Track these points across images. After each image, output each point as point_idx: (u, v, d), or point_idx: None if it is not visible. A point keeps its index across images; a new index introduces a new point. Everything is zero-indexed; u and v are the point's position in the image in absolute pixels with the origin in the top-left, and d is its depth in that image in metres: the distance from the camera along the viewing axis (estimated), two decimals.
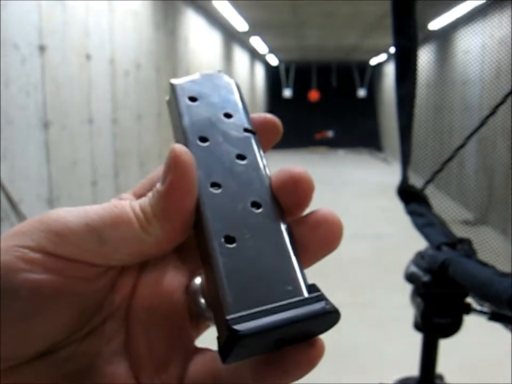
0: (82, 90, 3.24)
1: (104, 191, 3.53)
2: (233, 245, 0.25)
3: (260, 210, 0.26)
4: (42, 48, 2.73)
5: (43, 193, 2.76)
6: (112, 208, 0.26)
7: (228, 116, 0.29)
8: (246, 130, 0.29)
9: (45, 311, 0.25)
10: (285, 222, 0.26)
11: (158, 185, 0.26)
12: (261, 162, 0.28)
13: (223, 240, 0.25)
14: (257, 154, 0.29)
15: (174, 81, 0.30)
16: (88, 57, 3.30)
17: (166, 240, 0.26)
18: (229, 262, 0.24)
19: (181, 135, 0.28)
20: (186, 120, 0.28)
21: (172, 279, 0.28)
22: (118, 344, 0.27)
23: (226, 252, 0.24)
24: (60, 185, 2.92)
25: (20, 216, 2.50)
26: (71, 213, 0.28)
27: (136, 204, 0.26)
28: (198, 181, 0.26)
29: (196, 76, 0.31)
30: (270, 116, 0.31)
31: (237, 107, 0.30)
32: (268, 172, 0.28)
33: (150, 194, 0.27)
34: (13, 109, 2.48)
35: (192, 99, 0.29)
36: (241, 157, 0.28)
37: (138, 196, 0.29)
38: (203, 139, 0.28)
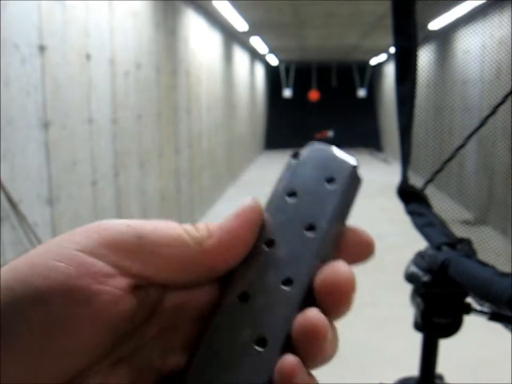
0: (82, 90, 3.24)
1: (104, 191, 3.53)
2: (246, 302, 0.26)
3: (288, 288, 0.26)
4: (42, 48, 2.73)
5: (43, 193, 2.76)
6: (161, 221, 0.27)
7: (310, 228, 0.27)
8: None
9: (73, 322, 0.23)
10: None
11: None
12: (304, 291, 0.26)
13: (237, 297, 0.26)
14: (304, 280, 0.27)
15: (292, 155, 0.29)
16: (88, 57, 3.30)
17: (213, 256, 0.26)
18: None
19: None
20: (267, 217, 0.28)
21: None
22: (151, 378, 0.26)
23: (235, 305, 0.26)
24: (60, 185, 2.92)
25: (20, 216, 2.50)
26: (115, 220, 0.26)
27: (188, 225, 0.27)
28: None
29: (326, 152, 0.29)
30: (364, 235, 0.29)
31: (325, 217, 0.28)
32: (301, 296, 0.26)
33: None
34: (13, 109, 2.48)
35: (291, 194, 0.28)
36: (287, 282, 0.27)
37: None
38: (269, 242, 0.27)
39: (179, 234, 0.26)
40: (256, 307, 0.26)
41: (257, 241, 0.27)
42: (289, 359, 0.24)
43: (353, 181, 0.29)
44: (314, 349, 0.25)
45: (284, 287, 0.26)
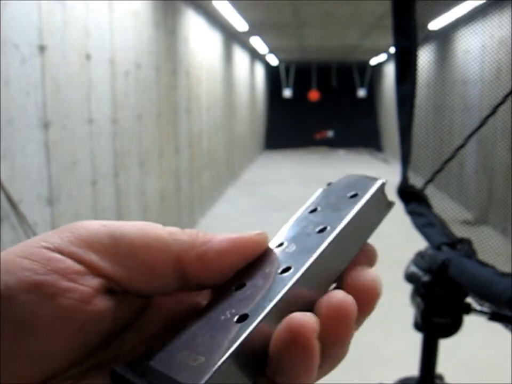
0: (82, 90, 3.24)
1: (104, 191, 3.53)
2: None
3: (240, 323, 0.24)
4: (42, 48, 2.73)
5: (43, 193, 2.76)
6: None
7: (322, 230, 0.27)
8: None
9: (42, 319, 0.22)
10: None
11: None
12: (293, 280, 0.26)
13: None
14: (300, 272, 0.26)
15: (327, 184, 0.30)
16: (88, 57, 3.30)
17: (194, 267, 0.24)
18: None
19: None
20: (286, 226, 0.28)
21: None
22: None
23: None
24: (60, 185, 2.92)
25: (20, 216, 2.50)
26: (93, 220, 0.25)
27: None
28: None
29: (358, 176, 0.29)
30: (370, 283, 0.27)
31: (338, 220, 0.27)
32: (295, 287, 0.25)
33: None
34: (13, 109, 2.48)
35: (313, 211, 0.29)
36: (285, 270, 0.26)
37: None
38: (280, 244, 0.27)
39: (159, 236, 0.24)
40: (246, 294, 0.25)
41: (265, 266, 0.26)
42: (299, 314, 0.22)
43: (377, 197, 0.28)
44: (340, 331, 0.23)
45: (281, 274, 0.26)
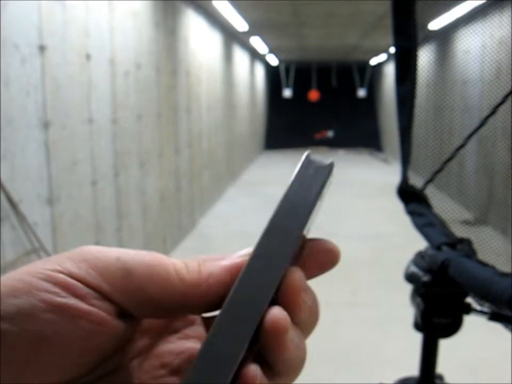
0: (82, 90, 3.24)
1: (104, 191, 3.53)
2: None
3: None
4: (42, 48, 2.73)
5: (43, 193, 2.76)
6: (150, 252, 0.27)
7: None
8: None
9: (62, 337, 0.24)
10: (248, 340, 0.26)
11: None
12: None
13: None
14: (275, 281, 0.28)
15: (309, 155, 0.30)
16: (88, 57, 3.30)
17: (199, 300, 0.26)
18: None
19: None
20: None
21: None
22: None
23: None
24: (60, 185, 2.92)
25: (20, 216, 2.50)
26: (105, 248, 0.27)
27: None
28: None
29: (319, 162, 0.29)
30: (329, 245, 0.29)
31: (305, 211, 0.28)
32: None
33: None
34: (13, 109, 2.48)
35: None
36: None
37: None
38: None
39: (167, 274, 0.26)
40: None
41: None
42: (252, 368, 0.25)
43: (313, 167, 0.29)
44: (275, 345, 0.25)
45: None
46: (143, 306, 0.26)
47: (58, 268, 0.25)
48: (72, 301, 0.24)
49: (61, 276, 0.25)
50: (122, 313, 0.26)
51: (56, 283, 0.24)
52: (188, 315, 0.29)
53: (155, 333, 0.29)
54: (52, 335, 0.23)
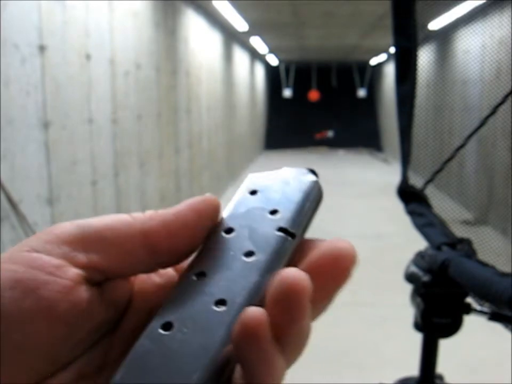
0: (82, 90, 3.24)
1: (104, 191, 3.53)
2: (166, 332, 0.24)
3: (220, 309, 0.24)
4: (42, 48, 2.73)
5: (43, 193, 2.76)
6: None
7: (274, 212, 0.27)
8: (281, 230, 0.26)
9: (28, 313, 0.23)
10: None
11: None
12: (267, 266, 0.25)
13: (160, 325, 0.24)
14: (270, 257, 0.25)
15: (251, 175, 0.29)
16: (88, 57, 3.30)
17: (156, 235, 0.25)
18: (148, 345, 0.24)
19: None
20: (228, 210, 0.28)
21: None
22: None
23: (156, 336, 0.24)
24: (60, 185, 2.92)
25: (20, 216, 2.50)
26: (74, 221, 0.26)
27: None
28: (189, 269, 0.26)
29: (277, 172, 0.29)
30: (338, 250, 0.24)
31: (292, 206, 0.27)
32: (267, 276, 0.24)
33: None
34: (13, 109, 2.48)
35: (253, 192, 0.28)
36: (249, 253, 0.25)
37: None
38: (229, 230, 0.27)
39: (121, 218, 0.26)
40: (215, 280, 0.25)
41: (215, 231, 0.27)
42: (253, 309, 0.22)
43: (314, 187, 0.28)
44: (293, 310, 0.22)
45: (245, 258, 0.25)
46: (106, 255, 0.25)
47: (23, 247, 0.24)
48: (29, 274, 0.23)
49: (24, 253, 0.24)
50: (91, 278, 0.25)
51: (16, 261, 0.24)
52: (160, 268, 0.27)
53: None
54: (16, 312, 0.23)
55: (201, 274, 0.25)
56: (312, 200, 0.28)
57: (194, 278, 0.25)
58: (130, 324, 0.26)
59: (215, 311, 0.24)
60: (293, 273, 0.22)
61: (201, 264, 0.26)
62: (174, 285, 0.26)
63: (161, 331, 0.24)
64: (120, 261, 0.25)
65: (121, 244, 0.25)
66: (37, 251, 0.24)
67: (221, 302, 0.24)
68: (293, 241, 0.26)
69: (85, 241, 0.25)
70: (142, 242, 0.25)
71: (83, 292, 0.24)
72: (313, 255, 0.24)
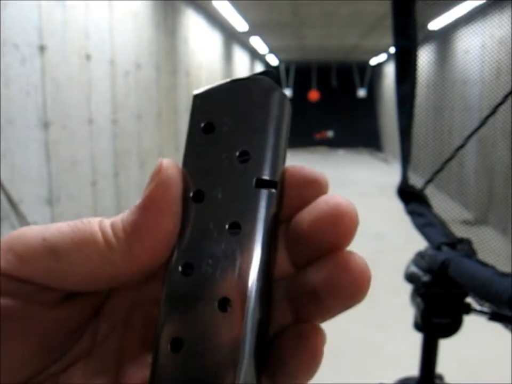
0: (82, 91, 3.24)
1: (104, 191, 3.53)
2: (179, 352, 0.22)
3: (226, 312, 0.22)
4: (42, 48, 2.73)
5: (43, 193, 2.76)
6: (77, 223, 0.23)
7: (243, 156, 0.23)
8: (259, 182, 0.23)
9: None
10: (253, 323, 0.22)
11: (138, 202, 0.23)
12: (259, 239, 0.22)
13: (168, 345, 0.22)
14: (259, 225, 0.22)
15: (196, 92, 0.24)
16: (88, 57, 3.30)
17: (134, 261, 0.22)
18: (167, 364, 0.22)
19: None
20: (185, 163, 0.23)
21: None
22: (113, 378, 0.24)
23: (170, 357, 0.22)
24: (60, 185, 2.92)
25: (20, 216, 2.50)
26: (32, 229, 0.23)
27: (107, 220, 0.23)
28: (172, 254, 0.23)
29: (225, 86, 0.24)
30: (310, 173, 0.23)
31: (262, 141, 0.23)
32: (261, 251, 0.22)
33: (126, 210, 0.23)
34: (13, 109, 2.48)
35: (207, 128, 0.23)
36: (234, 225, 0.22)
37: None
38: (197, 196, 0.23)
39: (96, 245, 0.22)
40: (205, 273, 0.22)
41: (184, 200, 0.23)
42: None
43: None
44: (341, 234, 0.22)
45: (230, 234, 0.22)
46: (80, 283, 0.23)
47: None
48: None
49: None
50: (65, 297, 0.23)
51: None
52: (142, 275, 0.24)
53: (131, 300, 0.25)
54: None
55: (188, 267, 0.22)
56: (283, 121, 0.23)
57: (181, 272, 0.22)
58: (113, 304, 0.25)
59: (218, 314, 0.22)
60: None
61: (185, 254, 0.22)
62: (162, 281, 0.23)
63: (173, 352, 0.22)
64: (93, 286, 0.23)
65: (95, 276, 0.23)
66: (4, 275, 0.22)
67: (226, 302, 0.22)
68: (276, 192, 0.23)
69: (55, 269, 0.22)
70: (125, 268, 0.23)
71: (58, 313, 0.23)
72: (310, 214, 0.22)
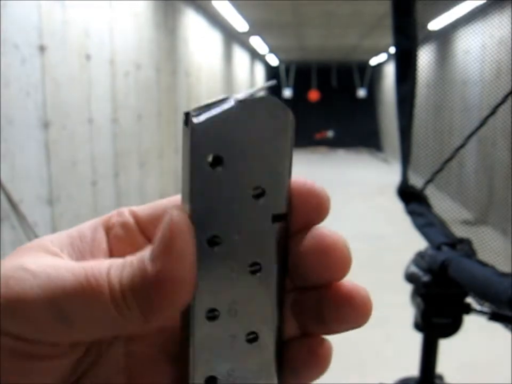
0: (82, 90, 3.24)
1: (104, 191, 3.53)
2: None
3: (254, 343, 0.23)
4: (42, 48, 2.73)
5: (43, 193, 2.76)
6: (84, 275, 0.21)
7: (257, 190, 0.21)
8: (275, 217, 0.22)
9: None
10: (278, 361, 0.23)
11: (147, 258, 0.21)
12: (277, 272, 0.22)
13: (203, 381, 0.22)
14: (277, 259, 0.22)
15: (195, 121, 0.20)
16: (88, 57, 3.30)
17: (148, 325, 0.21)
18: None
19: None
20: (194, 205, 0.21)
21: None
22: None
23: None
24: (59, 185, 2.92)
25: (20, 216, 2.50)
26: (33, 280, 0.21)
27: (116, 276, 0.21)
28: (194, 302, 0.22)
29: (228, 111, 0.21)
30: (313, 188, 0.23)
31: (276, 172, 0.22)
32: (278, 283, 0.22)
33: (135, 262, 0.21)
34: (13, 109, 2.48)
35: (215, 162, 0.21)
36: (254, 264, 0.22)
37: (140, 221, 0.25)
38: (212, 242, 0.21)
39: (106, 309, 0.21)
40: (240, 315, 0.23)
41: (199, 247, 0.21)
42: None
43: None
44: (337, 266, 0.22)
45: (251, 274, 0.22)
46: (88, 339, 0.22)
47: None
48: None
49: None
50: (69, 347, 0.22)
51: None
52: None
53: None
54: None
55: (212, 311, 0.22)
56: (291, 142, 0.23)
57: (206, 318, 0.22)
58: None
59: (247, 348, 0.23)
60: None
61: (207, 300, 0.22)
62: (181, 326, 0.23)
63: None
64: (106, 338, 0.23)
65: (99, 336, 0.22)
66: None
67: (254, 335, 0.23)
68: (288, 222, 0.22)
69: (58, 330, 0.21)
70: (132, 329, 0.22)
71: (64, 365, 0.22)
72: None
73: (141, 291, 0.21)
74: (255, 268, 0.22)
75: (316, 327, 0.23)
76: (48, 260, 0.22)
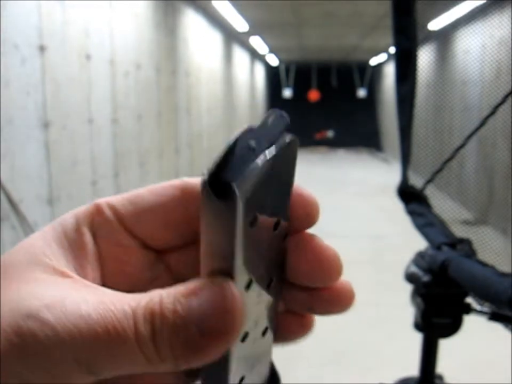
0: (82, 90, 3.24)
1: (104, 191, 3.53)
2: None
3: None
4: (42, 48, 2.73)
5: (43, 193, 2.76)
6: (109, 320, 0.20)
7: (275, 222, 0.22)
8: (285, 237, 0.23)
9: None
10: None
11: (198, 327, 0.20)
12: (279, 281, 0.24)
13: None
14: (280, 272, 0.24)
15: (242, 196, 0.19)
16: (88, 57, 3.30)
17: (177, 368, 0.21)
18: None
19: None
20: (235, 261, 0.20)
21: None
22: None
23: None
24: (59, 185, 2.92)
25: (20, 216, 2.50)
26: (51, 334, 0.19)
27: (145, 324, 0.20)
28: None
29: (263, 172, 0.20)
30: (302, 195, 0.24)
31: (288, 200, 0.23)
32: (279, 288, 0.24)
33: (169, 312, 0.20)
34: (13, 109, 2.48)
35: (253, 222, 0.20)
36: (271, 280, 0.24)
37: (121, 218, 0.25)
38: (248, 285, 0.22)
39: (134, 361, 0.20)
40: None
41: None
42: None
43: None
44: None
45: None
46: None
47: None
48: None
49: None
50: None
51: None
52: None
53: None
54: None
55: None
56: (294, 168, 0.23)
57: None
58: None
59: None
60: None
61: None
62: None
63: None
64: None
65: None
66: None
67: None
68: (288, 232, 0.24)
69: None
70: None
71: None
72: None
73: (184, 355, 0.20)
74: (269, 282, 0.23)
75: (303, 311, 0.26)
76: (55, 290, 0.21)
